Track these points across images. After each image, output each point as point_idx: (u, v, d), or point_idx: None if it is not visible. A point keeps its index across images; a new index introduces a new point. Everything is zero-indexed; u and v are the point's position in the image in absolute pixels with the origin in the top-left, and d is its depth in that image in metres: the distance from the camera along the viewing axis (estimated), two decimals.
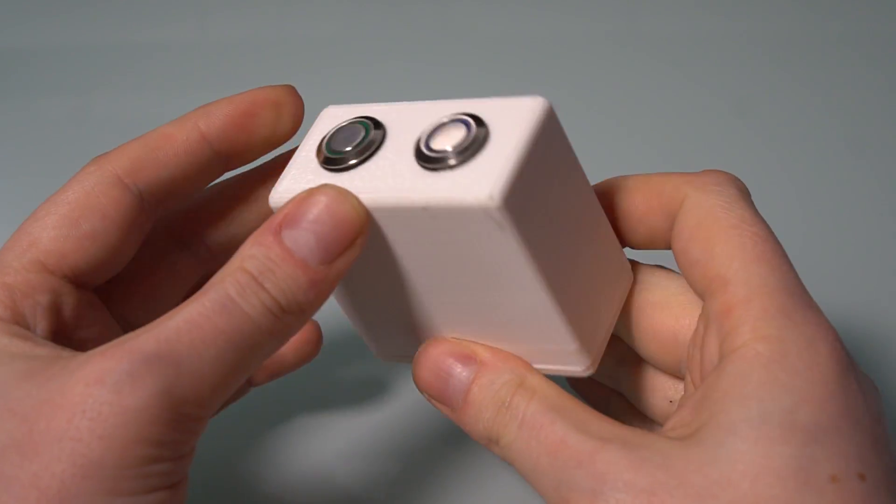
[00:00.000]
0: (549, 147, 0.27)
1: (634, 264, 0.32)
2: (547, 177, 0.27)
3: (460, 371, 0.29)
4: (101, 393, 0.24)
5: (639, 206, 0.31)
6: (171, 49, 0.53)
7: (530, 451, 0.27)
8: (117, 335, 0.26)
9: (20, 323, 0.28)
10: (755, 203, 0.30)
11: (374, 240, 0.28)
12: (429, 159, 0.27)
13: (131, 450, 0.24)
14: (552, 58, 0.52)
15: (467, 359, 0.30)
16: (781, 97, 0.50)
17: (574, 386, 0.36)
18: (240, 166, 0.33)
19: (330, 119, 0.30)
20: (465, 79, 0.52)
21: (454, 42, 0.53)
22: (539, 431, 0.27)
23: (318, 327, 0.37)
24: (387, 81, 0.52)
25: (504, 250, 0.26)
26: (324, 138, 0.29)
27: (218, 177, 0.32)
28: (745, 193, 0.30)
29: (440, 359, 0.30)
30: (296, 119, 0.32)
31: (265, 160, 0.33)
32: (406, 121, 0.28)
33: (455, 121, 0.27)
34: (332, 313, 0.31)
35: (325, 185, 0.28)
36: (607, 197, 0.31)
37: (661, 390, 0.32)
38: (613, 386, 0.34)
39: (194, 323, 0.26)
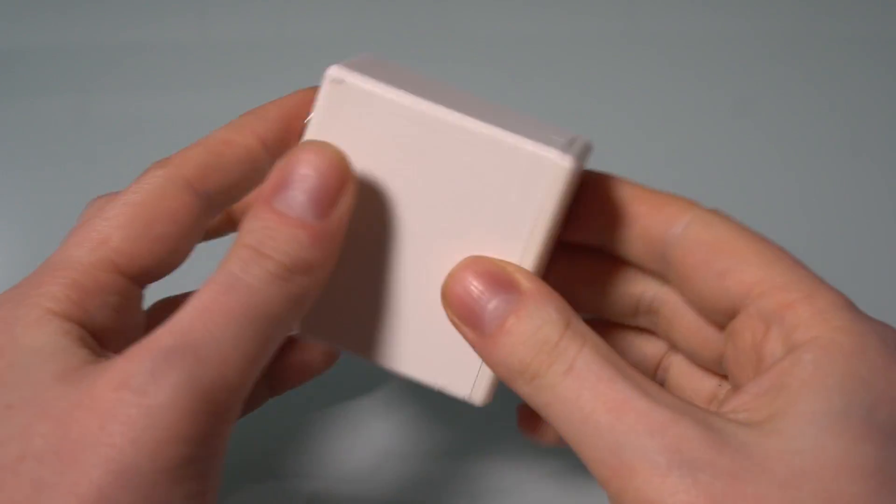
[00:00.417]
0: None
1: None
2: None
3: (500, 298, 0.28)
4: (129, 396, 0.24)
5: (640, 206, 0.31)
6: (171, 49, 0.53)
7: (580, 402, 0.26)
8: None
9: (84, 321, 0.28)
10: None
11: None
12: None
13: (164, 450, 0.24)
14: (553, 57, 0.52)
15: (508, 285, 0.28)
16: (782, 97, 0.50)
17: None
18: None
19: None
20: (466, 79, 0.52)
21: (455, 42, 0.53)
22: (596, 385, 0.26)
23: None
24: None
25: (531, 200, 0.28)
26: None
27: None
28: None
29: (477, 278, 0.28)
30: None
31: None
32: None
33: None
34: None
35: (301, 144, 0.28)
36: (602, 187, 0.31)
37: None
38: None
39: (205, 309, 0.26)
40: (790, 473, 0.24)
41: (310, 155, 0.28)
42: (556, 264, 0.33)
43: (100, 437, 0.24)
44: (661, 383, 0.35)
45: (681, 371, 0.34)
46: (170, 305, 0.34)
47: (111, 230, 0.29)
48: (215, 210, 0.31)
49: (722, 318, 0.30)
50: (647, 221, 0.31)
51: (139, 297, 0.30)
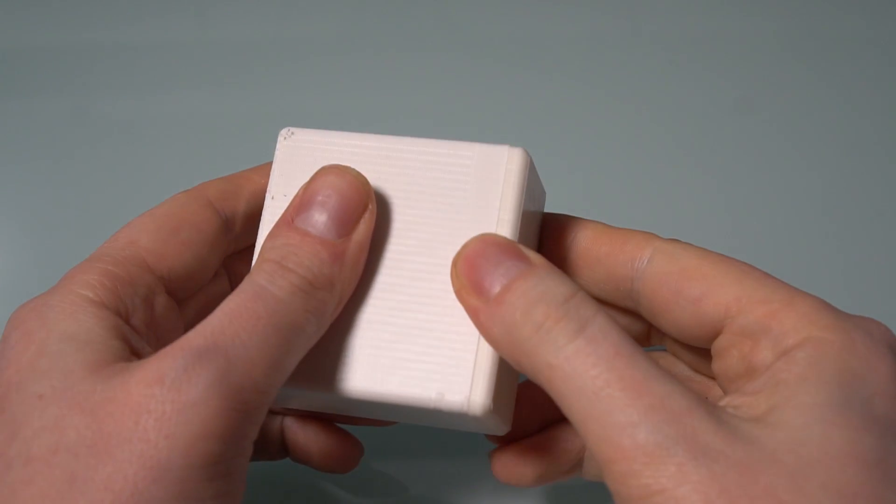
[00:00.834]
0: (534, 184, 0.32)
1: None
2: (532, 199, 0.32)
3: (510, 263, 0.28)
4: (162, 392, 0.25)
5: (601, 248, 0.32)
6: (170, 49, 0.53)
7: (594, 372, 0.25)
8: None
9: (119, 309, 0.29)
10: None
11: None
12: None
13: (196, 447, 0.25)
14: (553, 57, 0.52)
15: (519, 255, 0.28)
16: (783, 96, 0.50)
17: None
18: None
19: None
20: (466, 79, 0.52)
21: (455, 42, 0.53)
22: (613, 358, 0.25)
23: (360, 447, 0.36)
24: (387, 81, 0.52)
25: (492, 193, 0.30)
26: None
27: None
28: None
29: (490, 246, 0.28)
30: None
31: None
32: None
33: None
34: None
35: (323, 168, 0.29)
36: (563, 231, 0.33)
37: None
38: None
39: (234, 314, 0.26)
40: (799, 464, 0.24)
41: (331, 177, 0.29)
42: None
43: (134, 433, 0.25)
44: None
45: (666, 365, 0.34)
46: None
47: (139, 234, 0.30)
48: (233, 234, 0.32)
49: (703, 342, 0.30)
50: (611, 262, 0.32)
51: (172, 305, 0.31)
